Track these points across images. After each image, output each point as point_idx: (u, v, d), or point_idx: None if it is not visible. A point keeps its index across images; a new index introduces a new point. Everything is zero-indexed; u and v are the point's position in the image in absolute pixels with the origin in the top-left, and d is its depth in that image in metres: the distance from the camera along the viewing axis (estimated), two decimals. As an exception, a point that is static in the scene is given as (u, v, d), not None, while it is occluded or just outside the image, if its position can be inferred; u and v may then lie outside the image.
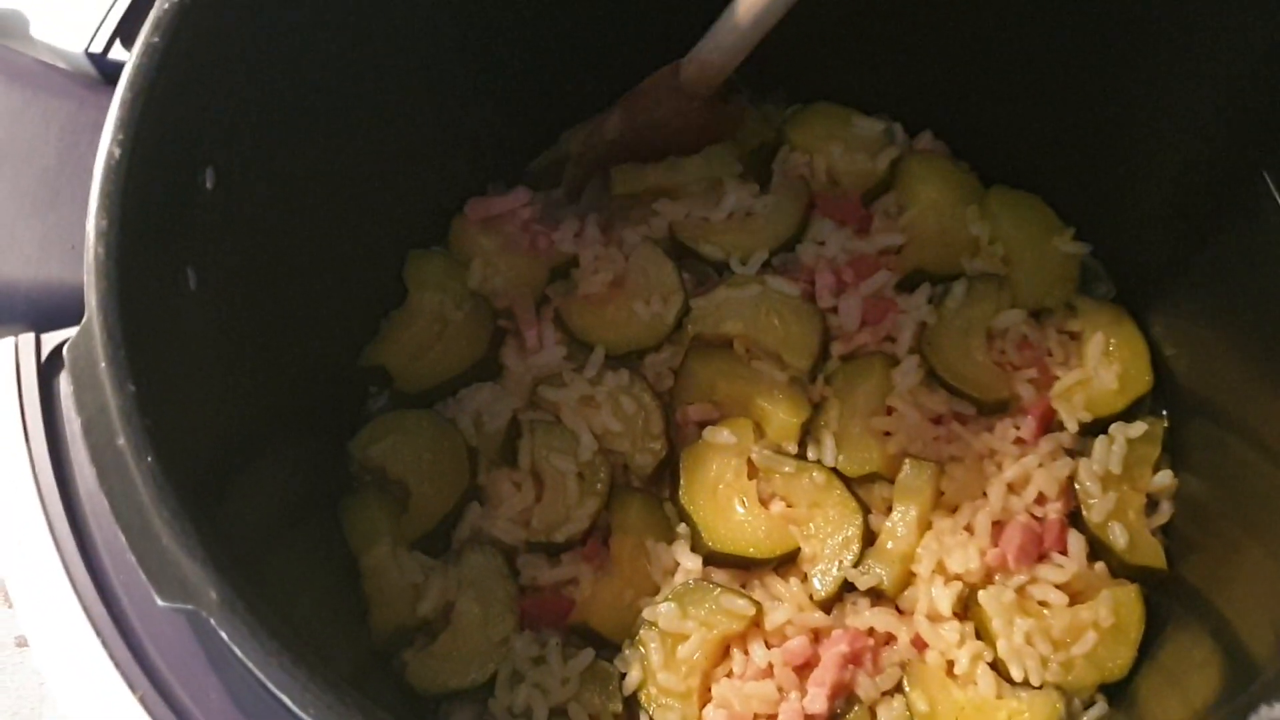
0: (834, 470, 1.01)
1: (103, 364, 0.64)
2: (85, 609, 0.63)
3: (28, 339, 0.70)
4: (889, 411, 1.05)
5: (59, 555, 0.64)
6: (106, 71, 0.77)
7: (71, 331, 0.70)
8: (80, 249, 0.73)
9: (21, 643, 1.15)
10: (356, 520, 0.97)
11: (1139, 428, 1.04)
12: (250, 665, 0.58)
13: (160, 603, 0.59)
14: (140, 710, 0.61)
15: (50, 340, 0.70)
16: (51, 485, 0.66)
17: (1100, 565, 1.01)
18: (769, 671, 0.96)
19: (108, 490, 0.62)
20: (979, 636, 0.98)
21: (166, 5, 0.74)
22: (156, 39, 0.73)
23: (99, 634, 0.63)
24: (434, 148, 1.04)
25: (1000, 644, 0.96)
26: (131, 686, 0.62)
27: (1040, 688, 0.96)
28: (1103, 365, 1.06)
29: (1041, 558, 1.01)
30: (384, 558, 0.94)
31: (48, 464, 0.67)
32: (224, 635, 0.58)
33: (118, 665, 0.62)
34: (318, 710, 0.57)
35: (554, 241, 1.12)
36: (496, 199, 1.12)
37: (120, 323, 0.66)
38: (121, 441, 0.62)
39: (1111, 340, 1.07)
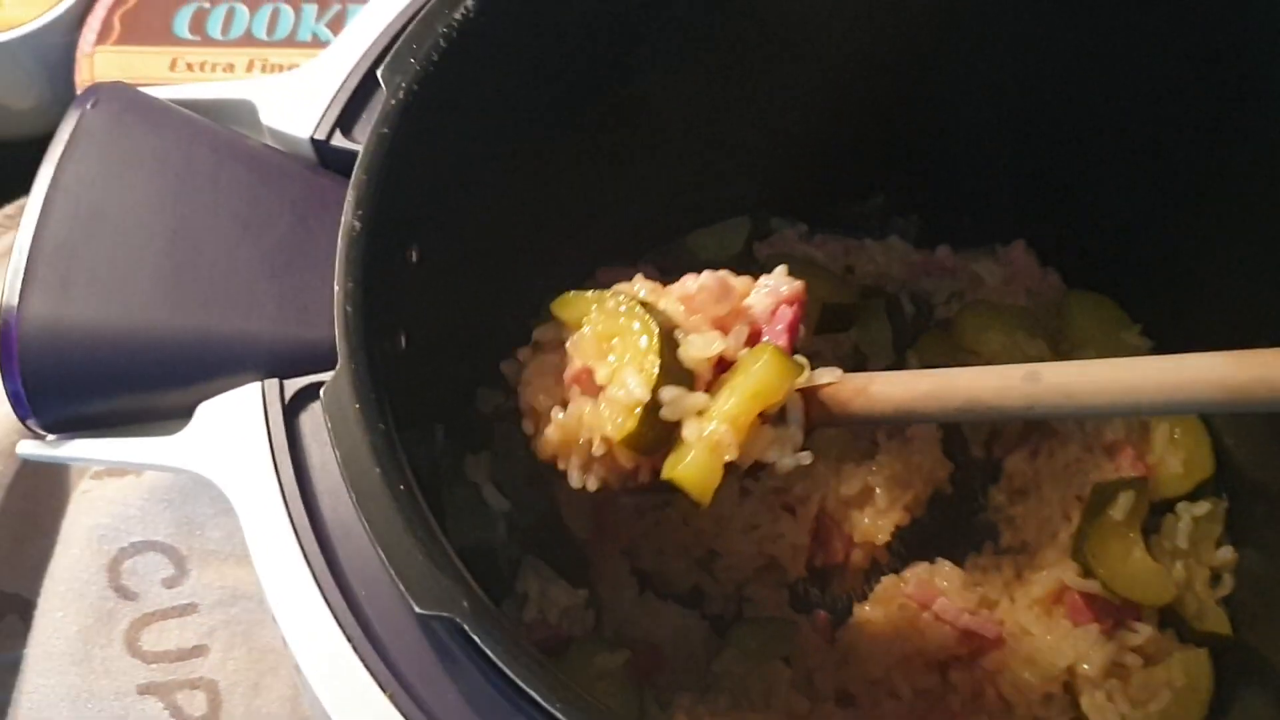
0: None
1: (357, 405, 0.74)
2: (339, 622, 0.71)
3: (273, 384, 0.79)
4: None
5: (312, 575, 0.73)
6: (325, 157, 0.87)
7: (306, 379, 0.79)
8: (310, 310, 0.83)
9: (144, 690, 1.20)
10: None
11: (1203, 507, 1.16)
12: (501, 664, 0.67)
13: (418, 611, 0.68)
14: (391, 708, 0.69)
15: (291, 386, 0.79)
16: (301, 512, 0.75)
17: (1170, 632, 1.10)
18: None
19: (368, 514, 0.71)
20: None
21: (394, 102, 0.85)
22: (386, 130, 0.84)
23: (351, 643, 0.71)
24: (578, 228, 1.17)
25: (1083, 699, 1.05)
26: (382, 687, 0.70)
27: (1121, 741, 1.05)
28: (1169, 452, 1.18)
29: (1118, 624, 1.10)
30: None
31: (296, 492, 0.75)
32: (476, 639, 0.67)
33: (370, 670, 0.70)
34: (565, 705, 0.65)
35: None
36: (621, 270, 1.24)
37: (369, 371, 0.76)
38: (378, 471, 0.72)
39: (1176, 430, 1.19)
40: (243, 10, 1.50)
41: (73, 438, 0.83)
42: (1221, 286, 1.14)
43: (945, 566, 1.14)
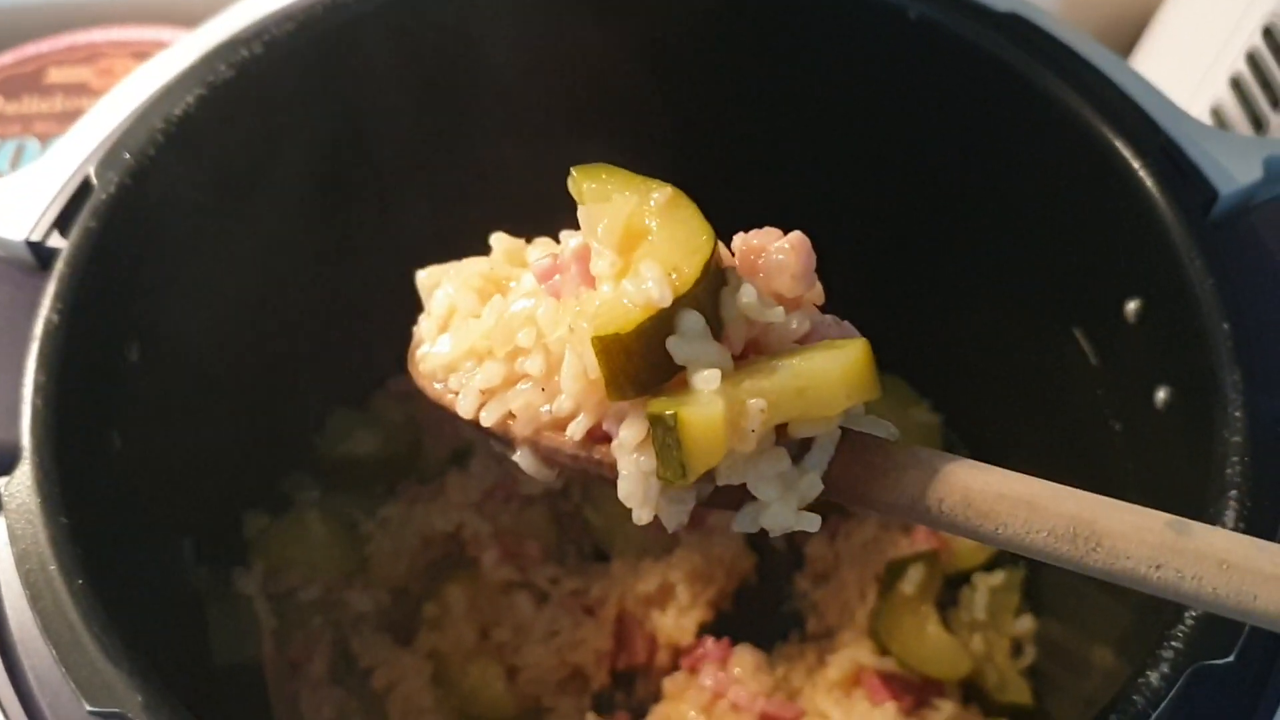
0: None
1: (37, 499, 0.70)
2: (9, 721, 0.67)
3: (-38, 488, 0.74)
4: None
5: (-13, 679, 0.68)
6: (44, 258, 0.84)
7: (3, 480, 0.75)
8: (14, 411, 0.79)
9: None
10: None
11: (998, 577, 1.14)
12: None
13: (89, 709, 0.64)
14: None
15: (-16, 489, 0.75)
16: (-17, 617, 0.70)
17: (975, 706, 1.08)
18: None
19: (40, 610, 0.67)
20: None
21: (104, 196, 0.83)
22: (93, 224, 0.82)
23: (24, 747, 0.66)
24: (350, 330, 1.12)
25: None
26: (55, 794, 0.65)
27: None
28: (964, 522, 1.16)
29: (920, 702, 1.07)
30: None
31: (-21, 597, 0.71)
32: (151, 735, 0.62)
33: (42, 776, 0.65)
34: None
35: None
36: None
37: (55, 464, 0.73)
38: (53, 567, 0.68)
39: (970, 498, 1.17)
40: (34, 145, 1.49)
41: None
42: (990, 359, 1.15)
43: (740, 653, 1.10)
